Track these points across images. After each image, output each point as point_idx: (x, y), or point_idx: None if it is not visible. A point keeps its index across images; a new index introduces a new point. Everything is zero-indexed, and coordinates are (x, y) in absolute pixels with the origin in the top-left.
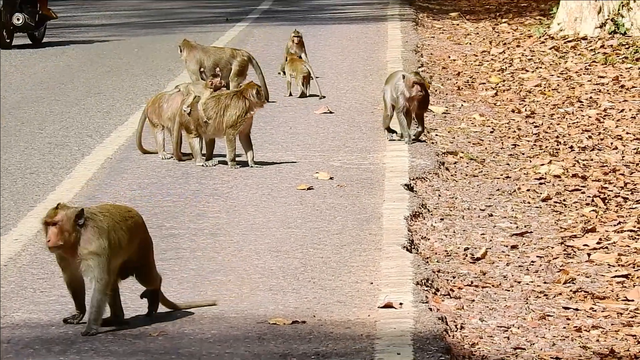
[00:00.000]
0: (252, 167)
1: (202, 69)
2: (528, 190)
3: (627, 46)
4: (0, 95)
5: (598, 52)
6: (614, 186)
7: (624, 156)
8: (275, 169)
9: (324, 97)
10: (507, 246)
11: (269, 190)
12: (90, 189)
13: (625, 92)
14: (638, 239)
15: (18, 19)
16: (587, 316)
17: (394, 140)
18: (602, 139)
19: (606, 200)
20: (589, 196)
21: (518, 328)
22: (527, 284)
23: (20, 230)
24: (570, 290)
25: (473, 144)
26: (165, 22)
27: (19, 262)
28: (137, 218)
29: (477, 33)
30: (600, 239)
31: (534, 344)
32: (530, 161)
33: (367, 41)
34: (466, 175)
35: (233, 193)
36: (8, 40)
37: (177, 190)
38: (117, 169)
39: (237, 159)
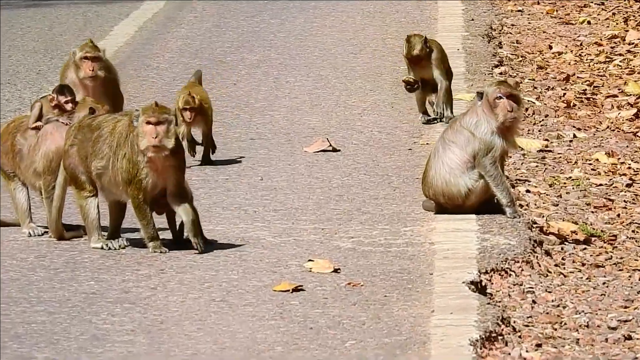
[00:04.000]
0: (198, 249)
1: None
2: None
3: None
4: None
5: None
6: None
7: None
8: (235, 254)
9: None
10: None
11: (222, 293)
12: None
13: None
14: None
15: None
16: None
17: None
18: None
19: None
20: None
21: None
22: None
23: None
24: None
25: (595, 207)
26: None
27: None
28: None
29: (603, 3)
30: None
31: None
32: None
33: (401, 19)
34: (583, 264)
35: (157, 298)
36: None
37: (58, 294)
38: None
39: (161, 235)
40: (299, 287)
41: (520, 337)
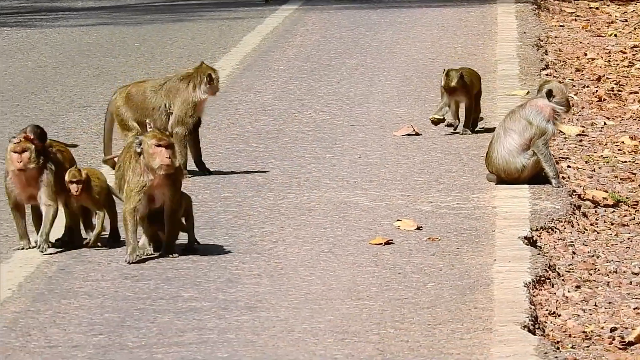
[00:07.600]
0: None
1: None
2: None
3: None
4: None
5: None
6: None
7: None
8: (339, 215)
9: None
10: None
11: (329, 246)
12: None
13: None
14: None
15: None
16: None
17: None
18: None
19: None
20: None
21: None
22: None
23: None
24: None
25: (621, 179)
26: (178, 4)
27: None
28: None
29: (626, 20)
30: None
31: None
32: None
33: (468, 32)
34: (612, 224)
35: (278, 249)
36: None
37: (200, 247)
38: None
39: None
40: (390, 241)
41: (563, 280)
